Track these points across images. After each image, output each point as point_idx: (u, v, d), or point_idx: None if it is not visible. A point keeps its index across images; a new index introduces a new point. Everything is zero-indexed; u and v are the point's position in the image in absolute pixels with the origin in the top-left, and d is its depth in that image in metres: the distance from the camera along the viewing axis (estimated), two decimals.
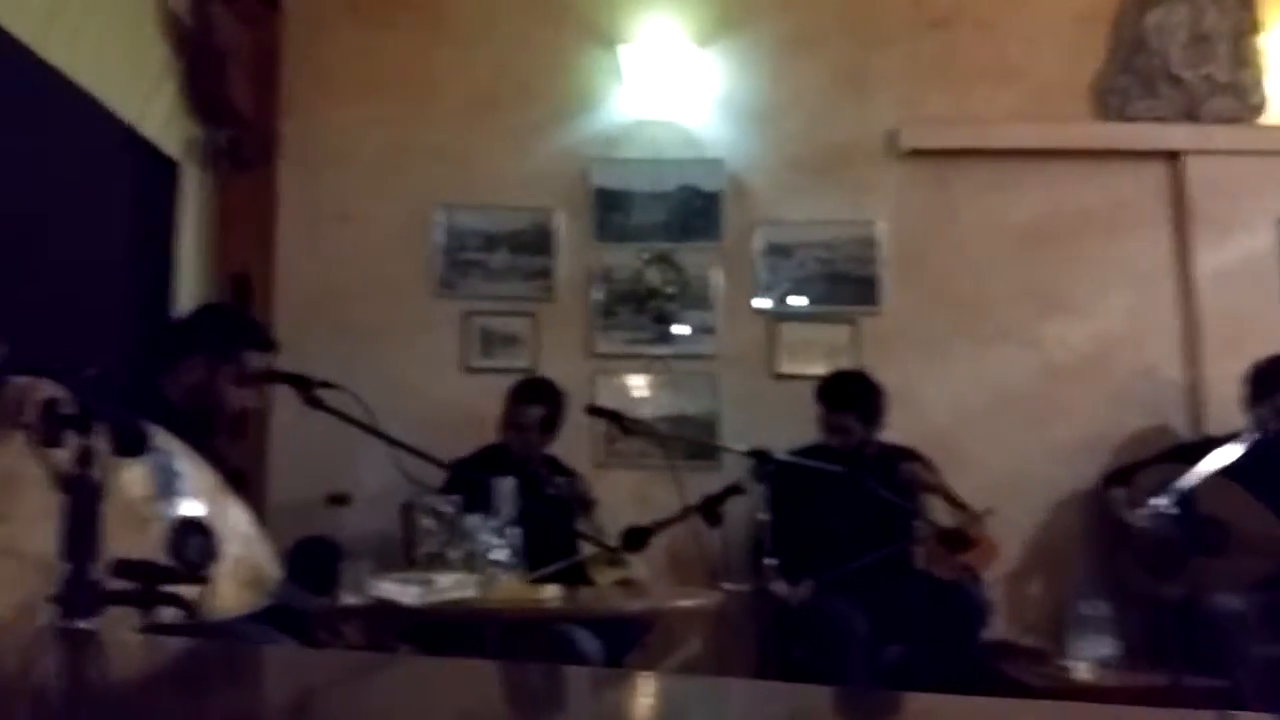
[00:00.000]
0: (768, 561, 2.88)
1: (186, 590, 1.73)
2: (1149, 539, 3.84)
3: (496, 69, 4.55)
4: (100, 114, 3.44)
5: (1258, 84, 4.57)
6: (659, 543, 3.15)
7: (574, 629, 3.19)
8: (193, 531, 1.89)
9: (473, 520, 2.85)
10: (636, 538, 2.93)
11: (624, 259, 4.49)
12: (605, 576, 3.23)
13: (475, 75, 4.55)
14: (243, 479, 3.20)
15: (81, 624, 1.44)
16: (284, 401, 3.53)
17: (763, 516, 2.90)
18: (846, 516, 3.65)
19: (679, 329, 4.46)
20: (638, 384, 4.45)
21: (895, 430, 4.01)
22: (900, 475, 3.73)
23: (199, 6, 3.98)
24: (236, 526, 2.12)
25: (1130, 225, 4.53)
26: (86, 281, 3.47)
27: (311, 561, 3.33)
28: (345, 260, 4.46)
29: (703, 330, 4.47)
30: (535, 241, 4.51)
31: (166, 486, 2.00)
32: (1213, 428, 4.18)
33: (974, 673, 3.57)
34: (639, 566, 3.39)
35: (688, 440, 4.26)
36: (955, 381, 4.44)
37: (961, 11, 4.60)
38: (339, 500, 4.18)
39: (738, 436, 3.73)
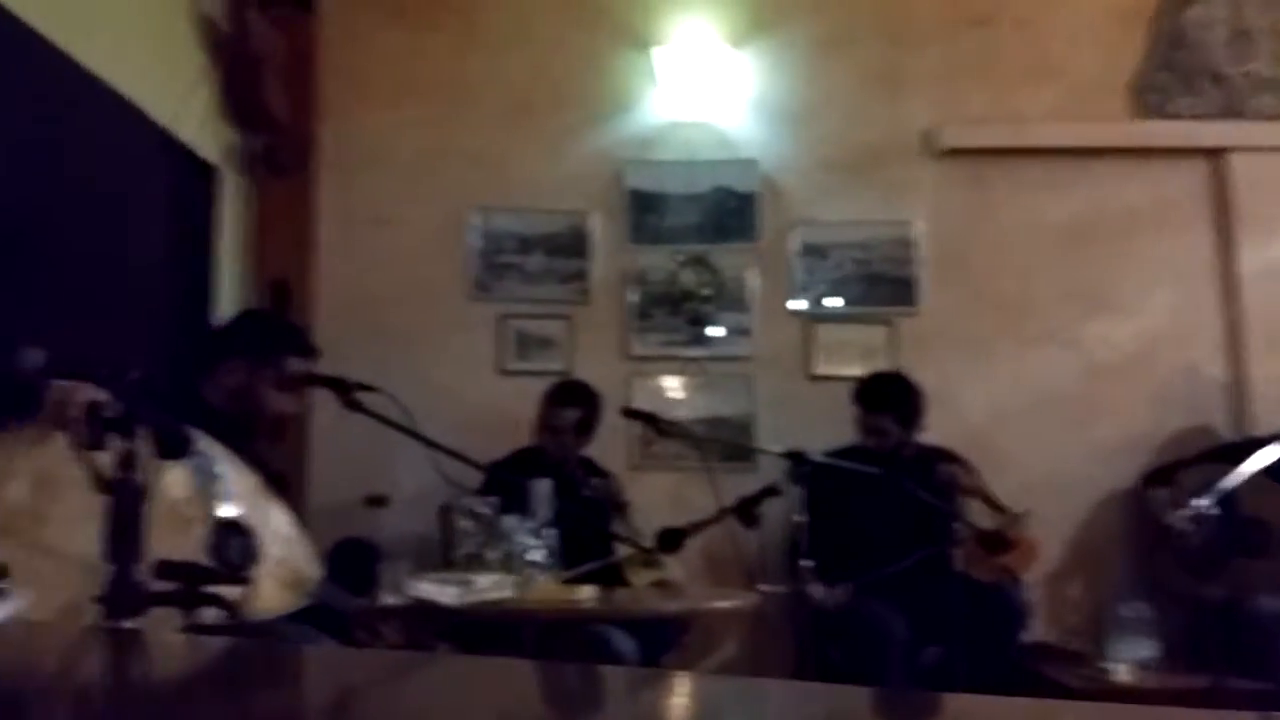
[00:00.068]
0: (804, 563, 2.88)
1: (228, 591, 1.75)
2: (1190, 540, 3.80)
3: (531, 73, 4.57)
4: (139, 120, 3.48)
5: None
6: (694, 544, 3.15)
7: (610, 630, 3.20)
8: (233, 533, 1.91)
9: (510, 522, 2.86)
10: (672, 539, 2.93)
11: (659, 261, 4.49)
12: (641, 578, 3.23)
13: (510, 79, 4.57)
14: (283, 482, 3.23)
15: (125, 624, 1.46)
16: (323, 404, 3.57)
17: (799, 518, 2.89)
18: (884, 518, 3.63)
19: (714, 331, 4.45)
20: (673, 386, 4.44)
21: (933, 431, 3.98)
22: (938, 477, 3.70)
23: (235, 13, 4.02)
24: (277, 528, 2.14)
25: (1172, 224, 4.48)
26: (127, 286, 3.51)
27: (351, 562, 3.35)
28: (382, 264, 4.49)
29: (738, 332, 4.46)
30: (570, 244, 4.52)
31: (208, 489, 2.02)
32: (1256, 427, 4.13)
33: (1013, 675, 3.54)
34: (674, 568, 3.39)
35: (723, 442, 4.25)
36: (994, 382, 4.41)
37: (1000, 10, 4.57)
38: (377, 502, 4.21)
39: (773, 438, 3.72)
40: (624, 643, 3.20)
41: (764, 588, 3.32)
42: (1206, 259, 4.46)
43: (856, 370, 4.16)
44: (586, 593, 2.79)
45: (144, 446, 1.61)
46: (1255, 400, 4.27)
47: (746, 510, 2.92)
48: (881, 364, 4.27)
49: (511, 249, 4.52)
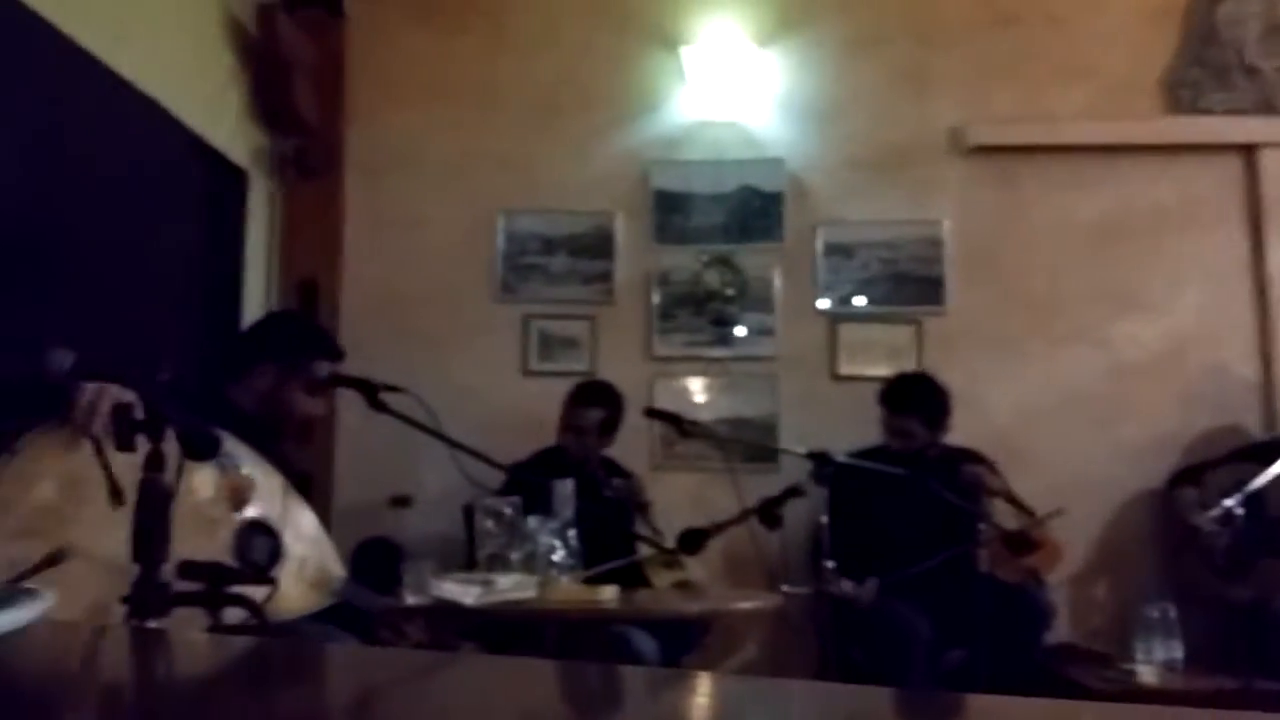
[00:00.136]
0: (827, 564, 2.87)
1: (252, 591, 1.76)
2: (1218, 540, 3.76)
3: (559, 75, 4.58)
4: (169, 124, 3.52)
5: None
6: (717, 545, 3.15)
7: (631, 630, 3.21)
8: (258, 533, 1.93)
9: (532, 522, 2.87)
10: (694, 540, 2.93)
11: (683, 261, 4.49)
12: (663, 579, 3.23)
13: (538, 81, 4.59)
14: (309, 482, 3.26)
15: (150, 624, 1.47)
16: (350, 405, 3.59)
17: (823, 519, 2.89)
18: (908, 519, 3.61)
19: (738, 331, 4.45)
20: (696, 386, 4.44)
21: (959, 432, 3.96)
22: (963, 477, 3.68)
23: (264, 17, 4.06)
24: (302, 529, 2.15)
25: (1204, 221, 4.44)
26: (157, 288, 3.55)
27: (375, 562, 3.38)
28: (410, 265, 4.52)
29: (762, 332, 4.46)
30: (595, 245, 4.53)
31: (237, 485, 2.04)
32: None
33: (1037, 676, 3.52)
34: (695, 569, 3.39)
35: (746, 443, 4.25)
36: (1022, 382, 4.38)
37: (1029, 8, 4.54)
38: (401, 502, 4.24)
39: (797, 439, 3.71)
40: (645, 643, 3.21)
41: (787, 589, 3.32)
42: (1238, 257, 4.42)
43: (882, 370, 4.15)
44: (608, 593, 2.79)
45: (172, 447, 1.63)
46: None
47: (769, 511, 2.92)
48: (908, 364, 4.26)
49: (536, 250, 4.53)
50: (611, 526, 3.39)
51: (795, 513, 3.12)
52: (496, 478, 3.18)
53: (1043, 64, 4.51)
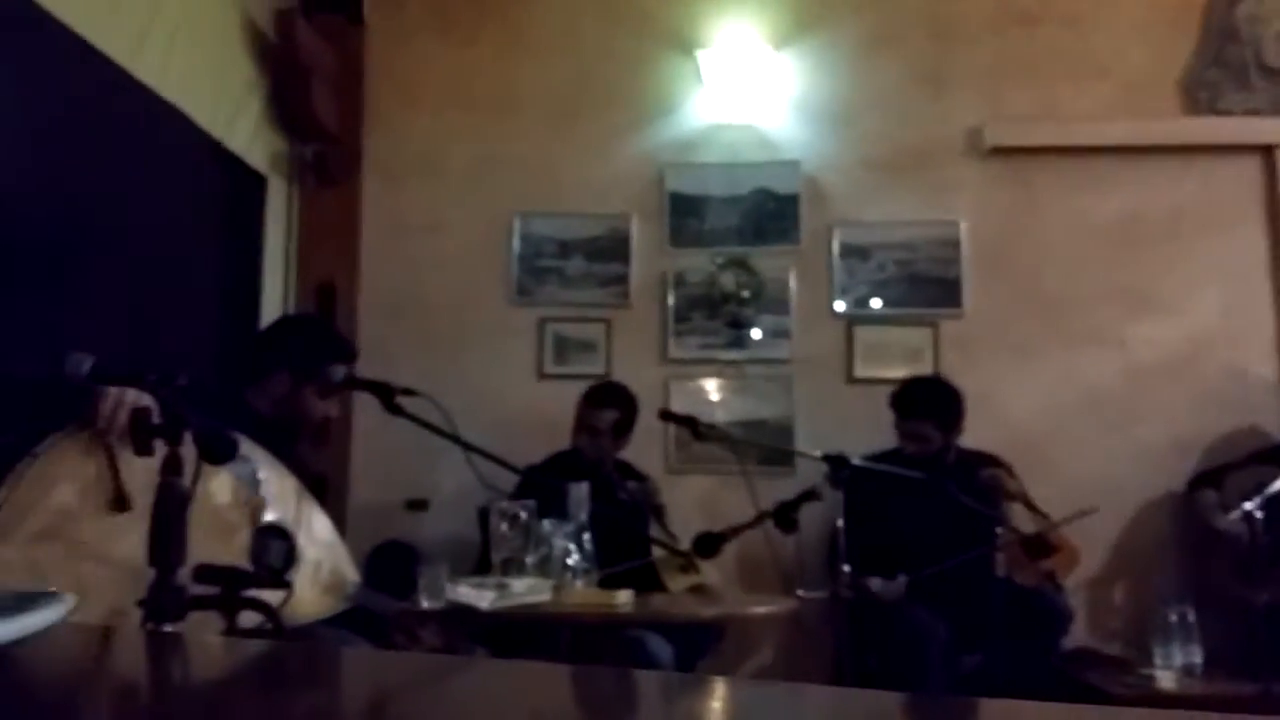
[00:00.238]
0: (844, 568, 2.86)
1: (268, 595, 1.77)
2: (1239, 543, 3.74)
3: (577, 79, 4.59)
4: (189, 129, 3.55)
5: None
6: (732, 549, 3.14)
7: (646, 634, 3.20)
8: (274, 537, 1.94)
9: (547, 525, 2.87)
10: (709, 544, 2.93)
11: (698, 263, 4.49)
12: (678, 583, 3.23)
13: (555, 86, 4.60)
14: (324, 485, 3.27)
15: (167, 628, 1.48)
16: (365, 408, 3.60)
17: (839, 523, 2.88)
18: (925, 523, 3.60)
19: (753, 333, 4.45)
20: (712, 389, 4.44)
21: (976, 435, 3.95)
22: (980, 481, 3.67)
23: (283, 24, 4.07)
24: (317, 533, 2.17)
25: (1223, 222, 4.41)
26: (176, 291, 3.57)
27: (390, 565, 3.39)
28: (426, 270, 4.53)
29: (778, 334, 4.45)
30: (610, 248, 4.53)
31: (251, 494, 2.05)
32: None
33: (1054, 681, 3.50)
34: (710, 573, 3.38)
35: (761, 445, 4.24)
36: (1040, 384, 4.37)
37: (1047, 8, 4.53)
38: (417, 505, 4.25)
39: (813, 441, 3.71)
40: (660, 648, 3.20)
41: (802, 593, 3.31)
42: (1257, 257, 4.39)
43: (898, 373, 4.14)
44: (623, 597, 2.79)
45: (190, 451, 1.64)
46: None
47: (785, 515, 2.91)
48: (924, 367, 4.25)
49: (551, 253, 4.54)
50: (626, 530, 3.38)
51: (811, 516, 3.12)
52: (511, 481, 3.19)
53: (1060, 65, 4.49)
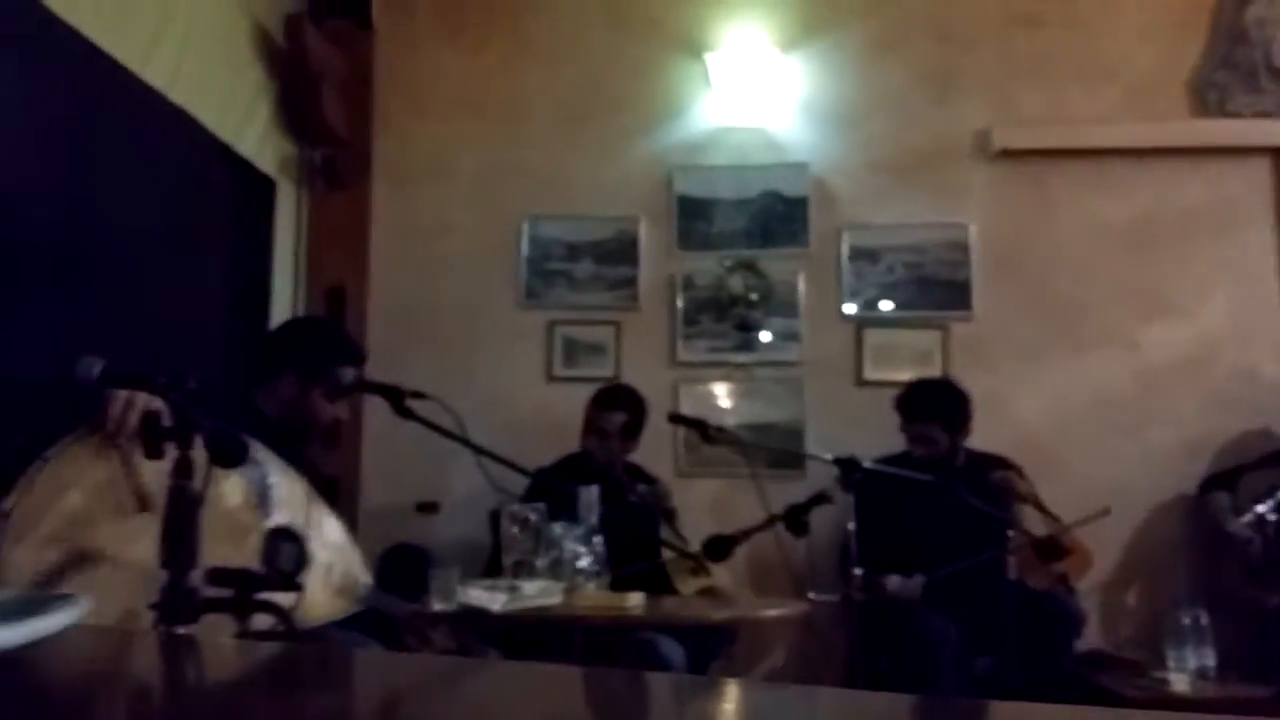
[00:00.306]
0: (855, 571, 2.85)
1: (280, 597, 1.77)
2: (1251, 546, 3.72)
3: (584, 84, 4.60)
4: (199, 133, 3.56)
5: None
6: (743, 552, 3.14)
7: (658, 637, 3.20)
8: (285, 540, 1.94)
9: (558, 528, 2.87)
10: (720, 547, 2.92)
11: (706, 266, 4.49)
12: (689, 586, 3.22)
13: (563, 91, 4.61)
14: (335, 488, 3.28)
15: (179, 630, 1.48)
16: (376, 411, 3.61)
17: (850, 526, 2.87)
18: (937, 526, 3.59)
19: (762, 336, 4.45)
20: (721, 392, 4.44)
21: (987, 438, 3.94)
22: (991, 483, 3.66)
23: (292, 29, 4.09)
24: (328, 536, 2.17)
25: (1233, 223, 4.41)
26: (186, 295, 3.58)
27: (401, 567, 3.39)
28: (435, 273, 4.55)
29: (787, 337, 4.45)
30: (619, 251, 4.53)
31: (262, 497, 2.05)
32: None
33: (1066, 684, 3.49)
34: (721, 575, 3.37)
35: (771, 448, 4.24)
36: (1050, 386, 4.36)
37: (1055, 10, 4.52)
38: (428, 508, 4.26)
39: (823, 444, 3.70)
40: (672, 650, 3.20)
41: (814, 596, 3.30)
42: (1267, 259, 4.39)
43: (908, 375, 4.13)
44: (634, 600, 2.79)
45: (200, 455, 1.64)
46: None
47: (795, 518, 2.90)
48: (934, 370, 4.24)
49: (560, 256, 4.55)
50: (636, 532, 3.38)
51: (821, 519, 3.11)
52: (522, 484, 3.19)
53: (1069, 67, 4.49)
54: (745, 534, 2.93)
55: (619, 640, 3.06)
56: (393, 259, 4.56)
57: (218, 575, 1.67)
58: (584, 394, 3.94)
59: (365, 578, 2.26)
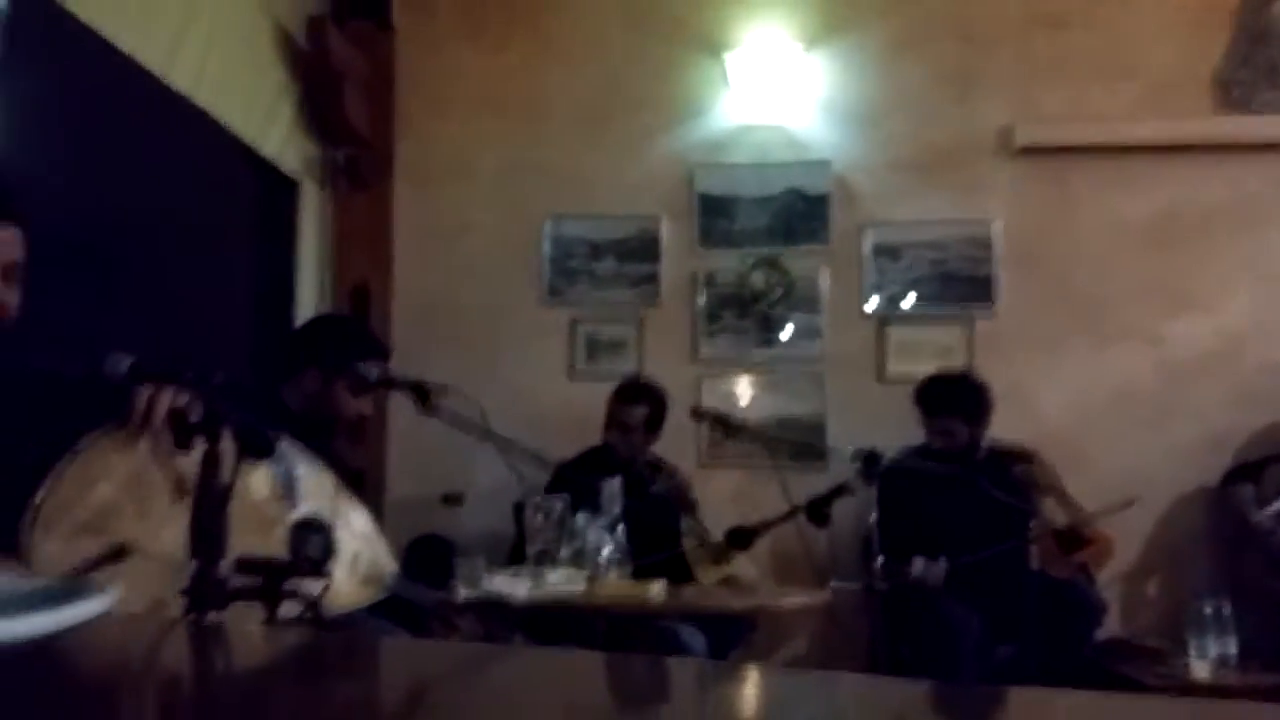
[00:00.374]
0: (877, 561, 2.86)
1: (308, 586, 1.79)
2: (1274, 537, 3.71)
3: (605, 83, 4.62)
4: (222, 135, 3.59)
5: None
6: (765, 543, 3.15)
7: (679, 625, 3.22)
8: (312, 531, 1.96)
9: (581, 519, 2.90)
10: (742, 537, 2.94)
11: (728, 264, 4.50)
12: (709, 575, 3.24)
13: (584, 90, 4.62)
14: (361, 480, 3.30)
15: (208, 618, 1.51)
16: (402, 407, 3.64)
17: (872, 517, 2.88)
18: (959, 517, 3.59)
19: (784, 333, 4.45)
20: (743, 388, 4.45)
21: (1010, 432, 3.94)
22: (1013, 475, 3.66)
23: (315, 30, 4.11)
24: (354, 526, 2.19)
25: (1255, 219, 4.39)
26: (212, 293, 3.62)
27: (427, 557, 3.41)
28: (458, 272, 4.57)
29: (809, 333, 4.45)
30: (641, 249, 4.55)
31: (288, 489, 2.08)
32: None
33: (1087, 672, 3.49)
34: (748, 566, 3.39)
35: (792, 441, 4.24)
36: (1073, 381, 4.35)
37: (1077, 7, 4.51)
38: (453, 500, 4.30)
39: (844, 439, 3.71)
40: (694, 639, 3.23)
41: (836, 585, 3.31)
42: None
43: (930, 370, 4.12)
44: (656, 589, 2.81)
45: (228, 447, 1.66)
46: None
47: (818, 509, 2.92)
48: (957, 364, 4.23)
49: (583, 255, 4.57)
50: (658, 523, 3.40)
51: (843, 511, 3.12)
52: (544, 476, 3.21)
53: (1091, 63, 4.47)
54: (767, 525, 2.95)
55: (641, 628, 3.08)
56: (416, 258, 4.59)
57: (246, 564, 1.69)
58: (606, 391, 3.95)
59: (391, 566, 2.28)
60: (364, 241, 4.48)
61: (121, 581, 1.60)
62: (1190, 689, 3.46)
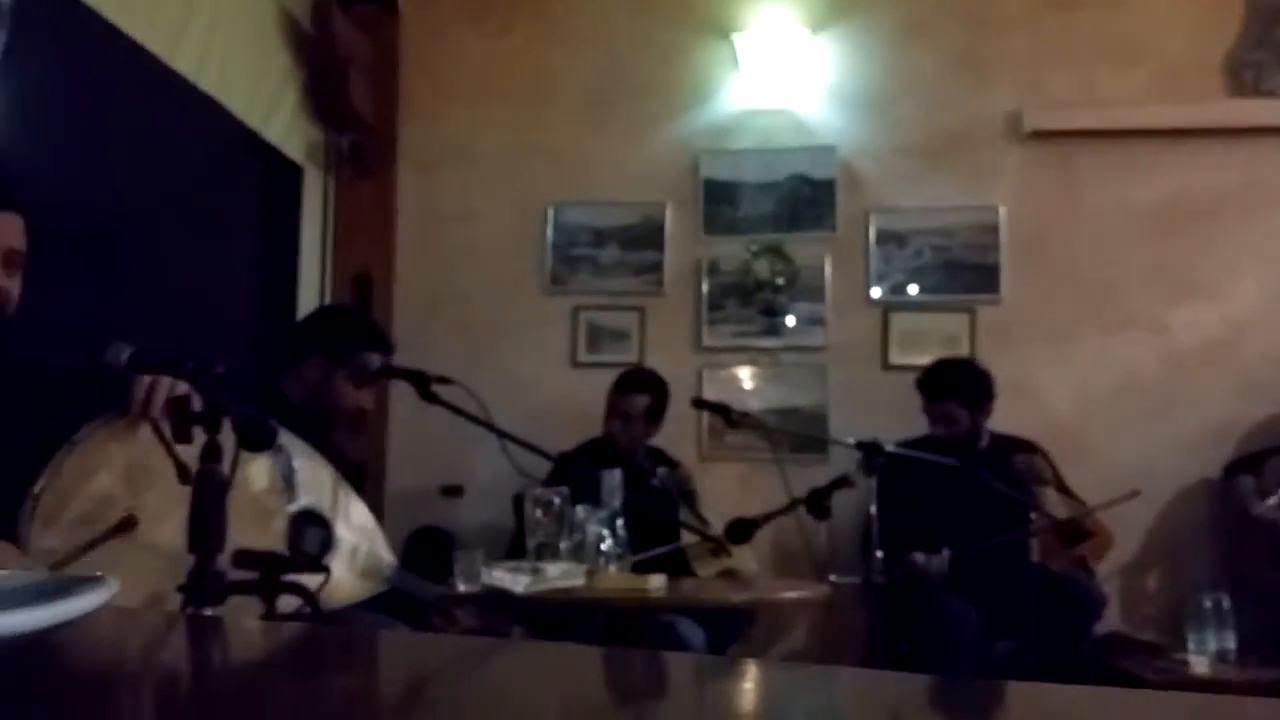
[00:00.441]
0: (877, 554, 2.85)
1: (306, 579, 1.79)
2: (1275, 529, 3.71)
3: (611, 67, 4.59)
4: (227, 120, 3.58)
5: None
6: (765, 535, 3.15)
7: (678, 619, 3.23)
8: (311, 523, 1.96)
9: (581, 511, 2.89)
10: (742, 530, 2.93)
11: (732, 251, 4.49)
12: (708, 568, 3.24)
13: (590, 75, 4.60)
14: (361, 473, 3.31)
15: (206, 612, 1.51)
16: (401, 396, 3.64)
17: (872, 509, 2.87)
18: (960, 509, 3.59)
19: (788, 321, 4.44)
20: (745, 377, 4.44)
21: (1014, 421, 3.93)
22: (1015, 467, 3.65)
23: (319, 15, 4.10)
24: (353, 519, 2.19)
25: (1266, 205, 4.36)
26: (214, 281, 3.62)
27: (427, 550, 3.42)
28: (461, 259, 4.57)
29: (813, 322, 4.44)
30: (644, 236, 4.53)
31: (287, 481, 2.08)
32: None
33: (1087, 666, 3.48)
34: (750, 560, 3.39)
35: (794, 433, 4.24)
36: (1078, 370, 4.34)
37: None
38: (453, 492, 4.30)
39: (847, 429, 3.70)
40: (692, 631, 3.24)
41: (835, 579, 3.31)
42: None
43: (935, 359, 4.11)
44: (655, 582, 2.81)
45: (228, 438, 1.66)
46: None
47: (817, 501, 2.91)
48: (961, 353, 4.23)
49: (585, 242, 4.56)
50: (658, 516, 3.40)
51: (843, 503, 3.11)
52: (545, 467, 3.21)
53: (1100, 47, 4.44)
54: (767, 517, 2.94)
55: (640, 622, 3.08)
56: (419, 245, 4.58)
57: (244, 558, 1.69)
58: (608, 379, 3.95)
59: (390, 559, 2.28)
60: (366, 228, 4.47)
61: (118, 574, 1.60)
62: (1189, 683, 3.46)
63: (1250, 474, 3.97)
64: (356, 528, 2.19)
